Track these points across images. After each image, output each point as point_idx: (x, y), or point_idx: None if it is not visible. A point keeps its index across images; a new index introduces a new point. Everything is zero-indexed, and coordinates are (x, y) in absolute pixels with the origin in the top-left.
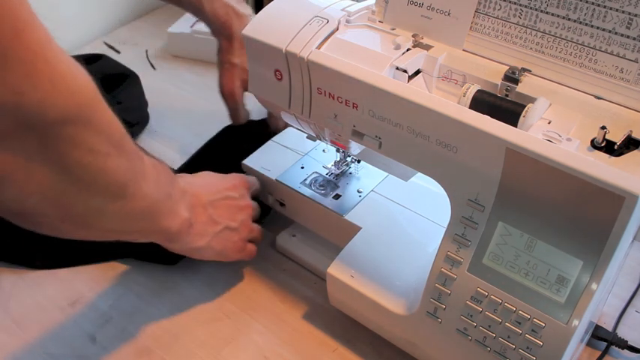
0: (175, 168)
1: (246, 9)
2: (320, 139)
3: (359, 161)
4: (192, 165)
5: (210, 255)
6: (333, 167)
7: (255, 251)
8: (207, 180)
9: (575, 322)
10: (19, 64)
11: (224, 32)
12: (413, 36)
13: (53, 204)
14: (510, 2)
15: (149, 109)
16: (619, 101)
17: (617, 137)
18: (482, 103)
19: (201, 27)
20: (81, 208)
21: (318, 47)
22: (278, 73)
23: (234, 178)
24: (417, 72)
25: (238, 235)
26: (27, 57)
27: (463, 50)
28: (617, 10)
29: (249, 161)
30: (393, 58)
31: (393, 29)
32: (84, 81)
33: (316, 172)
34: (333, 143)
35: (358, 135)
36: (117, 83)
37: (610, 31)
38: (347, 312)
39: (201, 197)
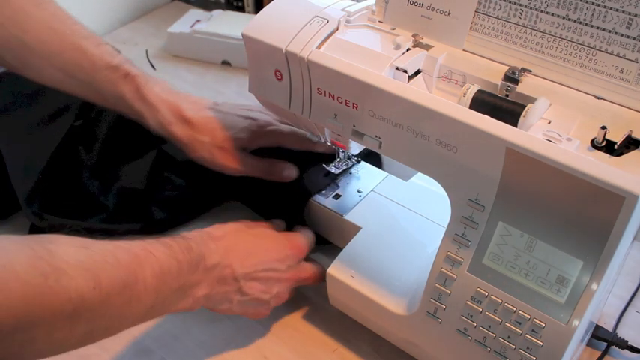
0: None
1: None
2: (320, 139)
3: (359, 161)
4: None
5: (224, 312)
6: (333, 167)
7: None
8: (253, 248)
9: (575, 322)
10: None
11: (178, 117)
12: (413, 36)
13: None
14: (510, 2)
15: None
16: (619, 101)
17: (617, 137)
18: (482, 103)
19: (202, 27)
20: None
21: (318, 47)
22: (278, 73)
23: (290, 246)
24: (417, 72)
25: (267, 305)
26: None
27: (463, 50)
28: (617, 10)
29: None
30: (393, 58)
31: (393, 29)
32: (14, 290)
33: None
34: (333, 143)
35: (358, 135)
36: None
37: (610, 31)
38: (347, 312)
39: (235, 269)
